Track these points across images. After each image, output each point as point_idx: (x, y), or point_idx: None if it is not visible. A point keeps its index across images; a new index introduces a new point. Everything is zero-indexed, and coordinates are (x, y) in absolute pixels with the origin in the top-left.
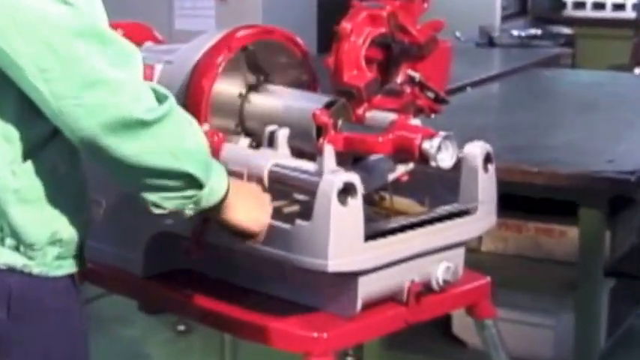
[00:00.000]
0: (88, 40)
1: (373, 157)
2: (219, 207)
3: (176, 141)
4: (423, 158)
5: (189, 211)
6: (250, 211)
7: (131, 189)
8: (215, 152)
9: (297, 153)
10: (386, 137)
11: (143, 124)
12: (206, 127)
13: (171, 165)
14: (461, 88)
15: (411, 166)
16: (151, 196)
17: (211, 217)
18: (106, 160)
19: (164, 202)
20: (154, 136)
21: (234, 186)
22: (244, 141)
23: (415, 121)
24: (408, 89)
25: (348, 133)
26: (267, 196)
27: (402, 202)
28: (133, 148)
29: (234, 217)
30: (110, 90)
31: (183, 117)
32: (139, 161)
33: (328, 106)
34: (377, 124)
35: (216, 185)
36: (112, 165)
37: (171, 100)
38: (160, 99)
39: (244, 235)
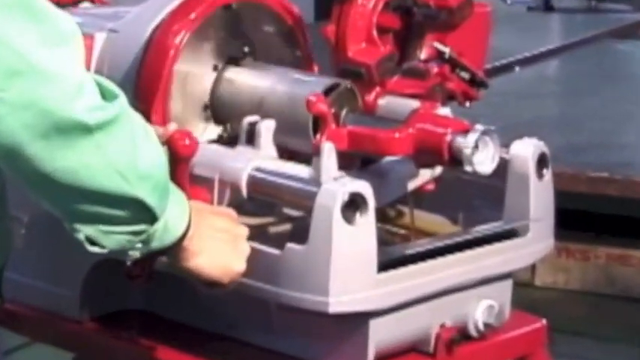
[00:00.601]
0: (12, 14)
1: (388, 160)
2: (176, 249)
3: (126, 156)
4: (455, 160)
5: (134, 252)
6: (219, 255)
7: (60, 216)
8: (184, 163)
9: (287, 153)
10: (405, 132)
11: (83, 128)
12: (173, 126)
13: (117, 188)
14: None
15: (438, 171)
16: (87, 229)
17: (166, 262)
18: (30, 175)
19: (103, 237)
20: (96, 147)
21: (197, 219)
22: (212, 130)
23: (444, 111)
24: (434, 68)
25: (355, 126)
26: (241, 232)
27: (427, 219)
28: (67, 161)
29: (196, 265)
30: (40, 80)
31: (137, 123)
32: (74, 180)
33: (328, 90)
34: (393, 115)
35: (173, 219)
36: (37, 182)
37: (122, 100)
38: (107, 97)
39: (210, 284)
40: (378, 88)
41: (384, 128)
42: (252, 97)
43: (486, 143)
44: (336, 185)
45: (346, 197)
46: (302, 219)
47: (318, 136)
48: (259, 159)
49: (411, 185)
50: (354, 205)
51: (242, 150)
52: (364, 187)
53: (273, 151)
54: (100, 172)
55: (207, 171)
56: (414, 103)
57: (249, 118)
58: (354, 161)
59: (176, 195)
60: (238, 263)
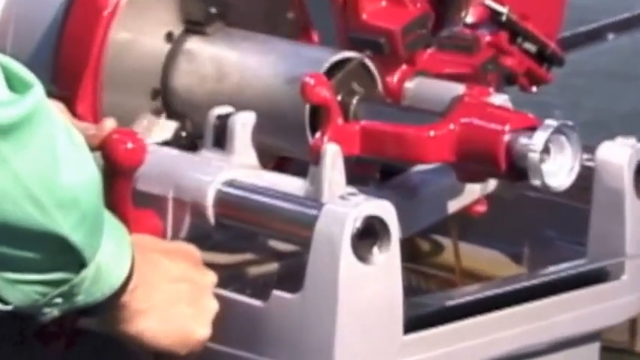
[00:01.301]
0: None
1: (419, 170)
2: (111, 306)
3: (42, 173)
4: (517, 171)
5: (51, 310)
6: (174, 315)
7: None
8: (126, 177)
9: (273, 160)
10: (444, 130)
11: None
12: (109, 122)
13: (28, 219)
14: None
15: (492, 186)
16: None
17: (100, 325)
18: None
19: (7, 289)
20: (1, 159)
21: (143, 263)
22: (165, 127)
23: (500, 99)
24: (485, 37)
25: (372, 121)
26: (206, 280)
27: (476, 255)
28: None
29: (141, 329)
30: None
31: (57, 124)
32: None
33: (333, 69)
34: (426, 105)
35: (108, 264)
36: None
37: (37, 92)
38: (16, 87)
39: (160, 356)
40: (404, 66)
41: (413, 124)
42: (223, 78)
43: (561, 146)
44: (344, 206)
45: (359, 224)
46: (295, 256)
47: (317, 135)
48: (233, 169)
49: (453, 206)
50: (370, 234)
51: (208, 156)
52: (385, 209)
53: (252, 158)
54: (3, 197)
55: (158, 187)
56: (457, 88)
57: (218, 110)
58: (370, 172)
59: (113, 228)
60: (201, 327)
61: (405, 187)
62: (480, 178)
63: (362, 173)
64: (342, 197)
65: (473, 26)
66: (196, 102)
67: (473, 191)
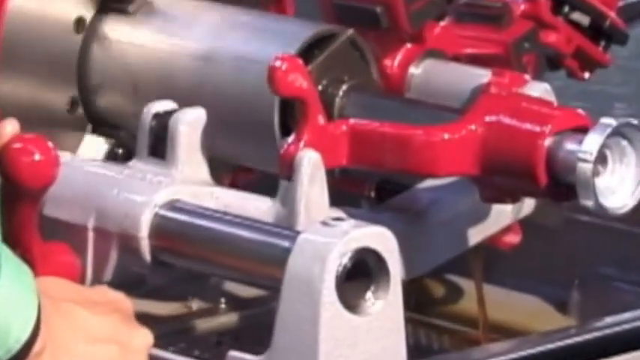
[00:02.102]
0: None
1: (430, 187)
2: None
3: None
4: (561, 187)
5: None
6: None
7: None
8: (32, 200)
9: (230, 174)
10: (463, 132)
11: None
12: (9, 127)
13: None
14: None
15: (528, 208)
16: None
17: None
18: None
19: None
20: None
21: (54, 317)
22: (95, 143)
23: (539, 89)
24: (519, 5)
25: (363, 119)
26: (139, 340)
27: (505, 301)
28: None
29: None
30: None
31: None
32: None
33: (311, 50)
34: (439, 97)
35: (4, 320)
36: None
37: None
38: None
39: None
40: (409, 45)
41: (421, 124)
42: (157, 66)
43: (623, 153)
44: (326, 235)
45: (347, 260)
46: (260, 304)
47: (290, 138)
48: (175, 185)
49: (476, 236)
50: (362, 274)
51: (141, 168)
52: (383, 240)
53: (202, 170)
54: None
55: (74, 213)
56: (481, 75)
57: (155, 106)
58: (362, 189)
59: (13, 268)
60: None
61: (409, 209)
62: (511, 197)
63: (351, 191)
64: (324, 223)
65: None
66: (129, 106)
67: (502, 216)
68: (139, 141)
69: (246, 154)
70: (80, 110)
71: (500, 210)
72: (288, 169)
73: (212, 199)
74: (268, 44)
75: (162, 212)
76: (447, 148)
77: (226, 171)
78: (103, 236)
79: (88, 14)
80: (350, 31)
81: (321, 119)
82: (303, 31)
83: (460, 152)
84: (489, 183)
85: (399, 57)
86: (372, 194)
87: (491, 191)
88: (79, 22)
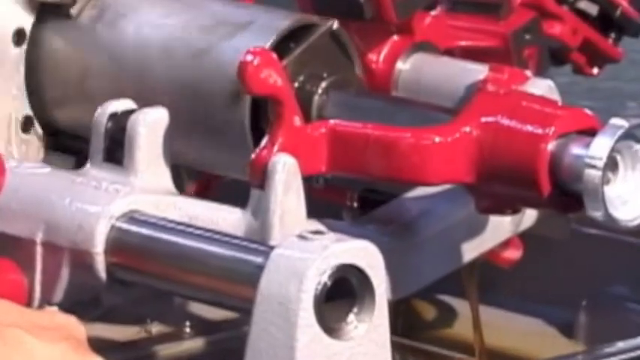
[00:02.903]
0: None
1: (418, 195)
2: None
3: None
4: (566, 196)
5: None
6: None
7: None
8: None
9: (196, 181)
10: (456, 134)
11: None
12: None
13: None
14: None
15: (529, 219)
16: None
17: None
18: None
19: None
20: None
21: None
22: (55, 159)
23: (542, 86)
24: None
25: (345, 120)
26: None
27: (504, 324)
28: None
29: None
30: None
31: None
32: None
33: (286, 42)
34: (430, 96)
35: None
36: None
37: None
38: None
39: None
40: (396, 37)
41: (410, 125)
42: (111, 68)
43: (636, 158)
44: (303, 251)
45: (327, 278)
46: (229, 328)
47: (263, 142)
48: (133, 194)
49: (472, 252)
50: (344, 294)
51: (96, 175)
52: (367, 255)
53: (163, 177)
54: None
55: (20, 225)
56: (476, 70)
57: (110, 106)
58: (343, 199)
59: None
60: None
61: (396, 221)
62: (511, 208)
63: (331, 200)
64: (301, 237)
65: None
66: (88, 115)
67: (501, 228)
68: (92, 145)
69: (213, 160)
70: (37, 128)
71: (499, 222)
72: (260, 177)
73: (175, 210)
74: (237, 36)
75: (120, 224)
76: (438, 152)
77: (190, 179)
78: (52, 251)
79: (28, 24)
80: (330, 22)
81: (297, 120)
82: (277, 22)
83: (453, 157)
84: (486, 192)
85: (384, 51)
86: (355, 204)
87: (489, 201)
88: (19, 34)
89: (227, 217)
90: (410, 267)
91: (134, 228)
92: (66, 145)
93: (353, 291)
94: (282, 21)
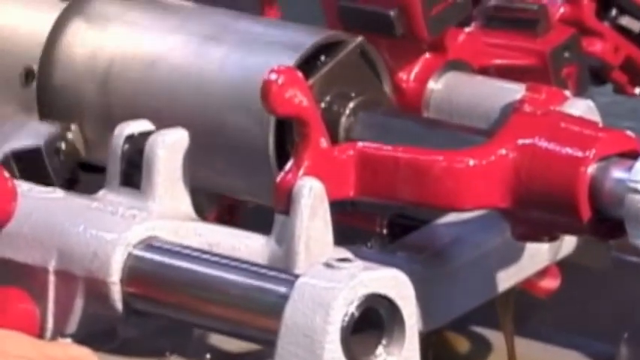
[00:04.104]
0: None
1: (451, 221)
2: None
3: None
4: (607, 222)
5: None
6: None
7: None
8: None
9: (218, 206)
10: (492, 157)
11: None
12: None
13: None
14: None
15: (568, 246)
16: None
17: None
18: None
19: None
20: None
21: None
22: (37, 130)
23: (582, 107)
24: (559, 8)
25: (374, 143)
26: None
27: (541, 356)
28: None
29: None
30: None
31: None
32: None
33: (312, 60)
34: (463, 116)
35: None
36: None
37: None
38: None
39: None
40: (427, 55)
41: (443, 148)
42: (132, 66)
43: None
44: (330, 280)
45: (355, 309)
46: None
47: (288, 165)
48: (152, 220)
49: (507, 281)
50: (372, 326)
51: (112, 200)
52: (397, 285)
53: (183, 202)
54: None
55: (31, 252)
56: (512, 90)
57: (128, 127)
58: (372, 225)
59: None
60: None
61: (428, 249)
62: (549, 234)
63: (359, 226)
64: (328, 265)
65: None
66: (90, 97)
67: (538, 256)
68: (109, 168)
69: (235, 184)
70: (33, 86)
71: (536, 249)
72: (285, 201)
73: (195, 236)
74: (262, 54)
75: (137, 252)
76: (472, 176)
77: (210, 204)
78: (66, 280)
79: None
80: (359, 39)
81: (323, 142)
82: (303, 39)
83: (488, 181)
84: (523, 217)
85: (415, 69)
86: (384, 231)
87: (525, 227)
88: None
89: (250, 244)
90: (443, 297)
91: (152, 256)
92: (53, 117)
93: (382, 322)
94: (308, 38)
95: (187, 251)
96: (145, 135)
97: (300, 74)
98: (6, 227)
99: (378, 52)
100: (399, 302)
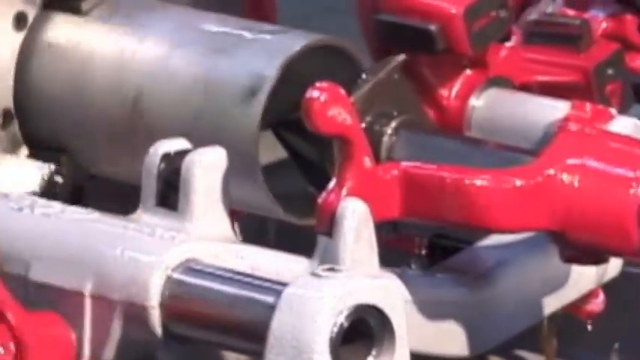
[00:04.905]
0: None
1: (495, 243)
2: None
3: None
4: None
5: None
6: None
7: None
8: None
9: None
10: (538, 177)
11: None
12: None
13: None
14: None
15: (614, 269)
16: None
17: None
18: None
19: None
20: None
21: None
22: (29, 168)
23: (628, 125)
24: (602, 22)
25: (417, 162)
26: None
27: None
28: None
29: None
30: None
31: None
32: None
33: (351, 83)
34: (505, 135)
35: None
36: None
37: None
38: None
39: None
40: (468, 71)
41: (487, 167)
42: (110, 79)
43: None
44: (318, 289)
45: (343, 319)
46: None
47: (330, 185)
48: (191, 242)
49: (552, 304)
50: (361, 336)
51: (149, 222)
52: (386, 294)
53: (222, 223)
54: None
55: (66, 276)
56: (556, 108)
57: (162, 146)
58: (411, 245)
59: None
60: None
61: (472, 272)
62: (596, 257)
63: (398, 247)
64: (316, 275)
65: (580, 4)
66: (75, 125)
67: (584, 279)
68: (144, 188)
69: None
70: (15, 126)
71: (581, 272)
72: (328, 224)
73: (237, 259)
74: (240, 56)
75: (176, 275)
76: (519, 197)
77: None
78: (103, 305)
79: (32, 10)
80: (400, 57)
81: (367, 162)
82: (287, 42)
83: (536, 202)
84: (571, 240)
85: (457, 86)
86: (423, 251)
87: (572, 251)
88: (20, 18)
89: (293, 268)
90: (489, 321)
91: (191, 279)
92: (42, 155)
93: (372, 332)
94: (293, 41)
95: (228, 274)
96: (181, 154)
97: (343, 91)
98: (40, 250)
99: (418, 69)
100: (389, 312)
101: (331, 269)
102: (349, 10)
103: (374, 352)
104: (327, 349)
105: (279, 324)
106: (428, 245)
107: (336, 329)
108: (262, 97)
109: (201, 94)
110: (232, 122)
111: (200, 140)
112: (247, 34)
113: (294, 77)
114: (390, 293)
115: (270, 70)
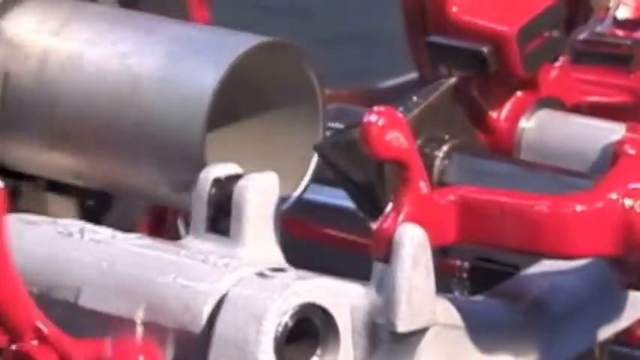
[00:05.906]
0: None
1: (552, 269)
2: None
3: None
4: None
5: None
6: None
7: None
8: None
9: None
10: (600, 202)
11: None
12: None
13: None
14: None
15: None
16: None
17: None
18: None
19: None
20: None
21: None
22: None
23: None
24: None
25: (472, 186)
26: None
27: None
28: None
29: None
30: None
31: None
32: None
33: (405, 101)
34: (559, 157)
35: None
36: None
37: None
38: None
39: None
40: (519, 93)
41: (543, 192)
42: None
43: None
44: (263, 289)
45: (288, 318)
46: None
47: (387, 210)
48: (241, 268)
49: (606, 330)
50: (306, 335)
51: (200, 248)
52: (330, 294)
53: (274, 248)
54: None
55: (118, 303)
56: (611, 129)
57: (214, 169)
58: (453, 269)
59: None
60: None
61: (526, 297)
62: None
63: (439, 271)
64: (261, 274)
65: (630, 23)
66: (32, 142)
67: (638, 305)
68: (194, 213)
69: (170, 194)
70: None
71: (636, 298)
72: (386, 250)
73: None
74: (192, 60)
75: (234, 298)
76: (581, 222)
77: (138, 214)
78: (155, 333)
79: None
80: (452, 80)
81: (423, 186)
82: (237, 44)
83: (597, 227)
84: (633, 266)
85: (507, 107)
86: (465, 275)
87: (634, 276)
88: None
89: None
90: (543, 346)
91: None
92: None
93: (316, 332)
94: (243, 43)
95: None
96: (233, 179)
97: (400, 115)
98: (90, 277)
99: (468, 91)
100: (334, 312)
101: (277, 269)
102: None
103: (318, 352)
104: (272, 348)
105: (223, 324)
106: (470, 269)
107: (280, 329)
108: (207, 99)
109: (151, 95)
110: (178, 124)
111: (147, 143)
112: (195, 35)
113: (242, 79)
114: (336, 294)
115: (216, 72)
